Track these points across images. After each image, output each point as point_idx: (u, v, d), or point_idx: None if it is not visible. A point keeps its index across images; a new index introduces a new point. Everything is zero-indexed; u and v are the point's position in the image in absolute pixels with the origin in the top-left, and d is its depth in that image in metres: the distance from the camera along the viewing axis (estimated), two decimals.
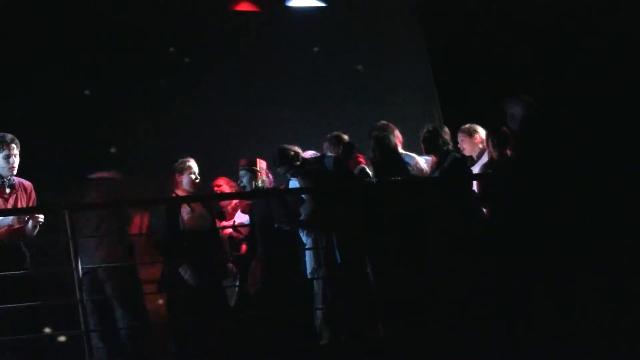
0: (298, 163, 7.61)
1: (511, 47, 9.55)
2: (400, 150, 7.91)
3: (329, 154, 7.88)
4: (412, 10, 10.36)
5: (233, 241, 8.13)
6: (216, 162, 8.70)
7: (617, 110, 8.92)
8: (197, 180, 7.71)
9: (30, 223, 6.98)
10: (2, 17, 8.81)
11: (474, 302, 6.97)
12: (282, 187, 7.97)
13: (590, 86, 9.15)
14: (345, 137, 8.17)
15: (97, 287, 7.35)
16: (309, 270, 7.38)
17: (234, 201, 8.40)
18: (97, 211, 7.35)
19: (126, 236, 7.43)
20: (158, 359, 7.44)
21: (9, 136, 7.12)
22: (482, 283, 7.05)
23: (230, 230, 8.13)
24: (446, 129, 7.91)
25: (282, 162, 7.64)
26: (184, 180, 7.69)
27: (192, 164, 7.73)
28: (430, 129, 7.79)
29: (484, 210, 7.62)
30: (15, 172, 7.11)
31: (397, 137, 7.93)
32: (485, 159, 7.88)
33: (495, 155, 7.58)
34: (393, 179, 7.42)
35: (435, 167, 7.77)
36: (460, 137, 8.21)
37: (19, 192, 7.16)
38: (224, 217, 8.40)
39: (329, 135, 8.20)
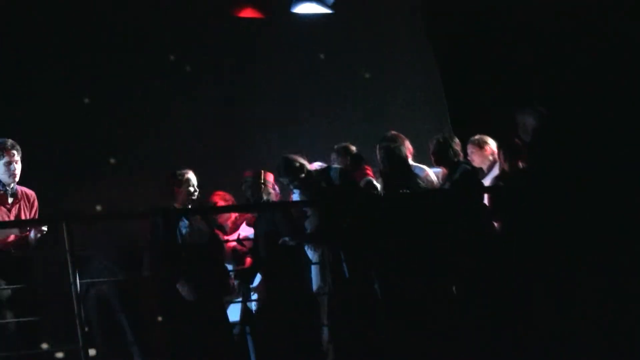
0: (303, 175, 7.46)
1: (524, 55, 9.52)
2: (411, 161, 7.81)
3: (335, 165, 7.79)
4: (420, 17, 10.33)
5: (237, 255, 8.03)
6: (217, 172, 8.66)
7: (633, 119, 8.86)
8: (196, 193, 7.56)
9: (32, 232, 6.84)
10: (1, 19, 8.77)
11: (485, 317, 6.94)
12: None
13: (605, 93, 9.12)
14: (353, 148, 8.10)
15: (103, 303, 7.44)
16: (315, 286, 7.28)
17: (233, 216, 8.31)
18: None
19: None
20: None
21: (10, 142, 6.96)
22: (494, 297, 7.00)
23: (234, 243, 8.03)
24: (456, 140, 7.78)
25: (286, 173, 7.50)
26: (182, 193, 7.52)
27: (191, 176, 7.56)
28: (440, 140, 7.68)
29: (495, 224, 7.51)
30: (17, 180, 6.98)
31: (408, 149, 7.82)
32: (496, 171, 7.78)
33: (506, 167, 7.47)
34: (402, 191, 7.34)
35: (445, 179, 7.69)
36: (470, 148, 8.13)
37: (22, 202, 7.01)
38: (224, 232, 8.29)
39: (336, 146, 8.14)
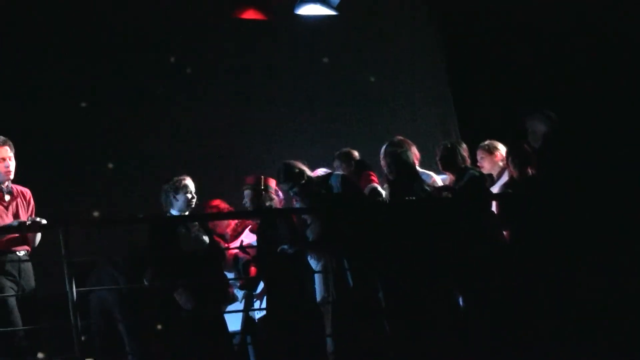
0: (303, 181, 7.36)
1: (535, 60, 9.55)
2: (417, 168, 7.72)
3: (337, 172, 7.69)
4: (428, 19, 10.33)
5: (238, 262, 7.91)
6: (218, 177, 8.69)
7: None
8: (194, 200, 7.46)
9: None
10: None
11: (494, 327, 6.88)
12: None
13: (618, 97, 9.19)
14: (356, 153, 8.03)
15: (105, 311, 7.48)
16: (318, 296, 7.18)
17: (232, 224, 8.23)
18: None
19: None
20: None
21: (1, 138, 6.87)
22: (503, 306, 6.92)
23: (235, 251, 7.92)
24: (464, 145, 7.72)
25: (286, 179, 7.40)
26: (180, 200, 7.41)
27: (189, 182, 7.45)
28: (448, 145, 7.64)
29: (504, 233, 7.40)
30: (12, 177, 6.88)
31: (414, 154, 7.74)
32: (505, 177, 7.69)
33: (515, 174, 7.37)
34: (408, 198, 7.24)
35: (452, 185, 7.57)
36: (480, 154, 8.06)
37: (19, 199, 6.92)
38: (225, 241, 8.20)
39: (338, 152, 8.07)
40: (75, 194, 8.57)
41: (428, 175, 7.81)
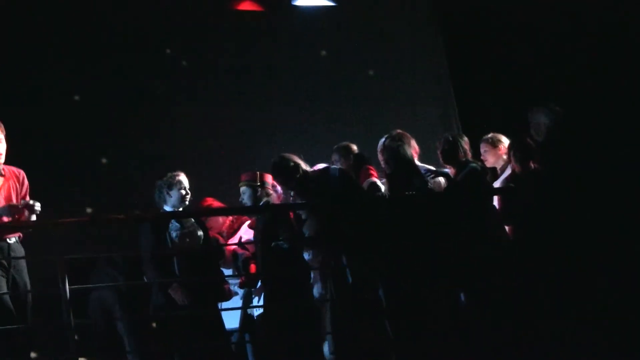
0: (298, 176, 7.30)
1: (538, 52, 9.56)
2: (417, 162, 7.67)
3: (334, 166, 7.66)
4: (428, 10, 10.31)
5: (238, 259, 7.85)
6: (214, 174, 8.70)
7: None
8: (188, 196, 7.45)
9: (26, 214, 6.60)
10: None
11: (495, 324, 6.81)
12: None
13: (621, 92, 9.17)
14: (355, 147, 7.98)
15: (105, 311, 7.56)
16: (315, 293, 7.19)
17: (228, 222, 8.22)
18: None
19: None
20: None
21: None
22: (504, 303, 6.86)
23: (234, 247, 7.89)
24: (465, 139, 7.68)
25: (280, 173, 7.35)
26: (174, 196, 7.41)
27: (182, 178, 7.46)
28: (449, 138, 7.58)
29: (507, 228, 7.37)
30: (2, 159, 6.73)
31: (414, 148, 7.70)
32: (509, 171, 7.64)
33: (517, 168, 7.33)
34: (407, 193, 7.19)
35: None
36: (484, 147, 8.01)
37: (11, 181, 6.74)
38: (223, 237, 8.23)
39: (336, 146, 8.01)
40: (72, 192, 8.54)
41: (428, 169, 7.72)
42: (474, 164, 7.42)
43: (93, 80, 8.94)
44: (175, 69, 9.38)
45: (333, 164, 7.76)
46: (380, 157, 7.54)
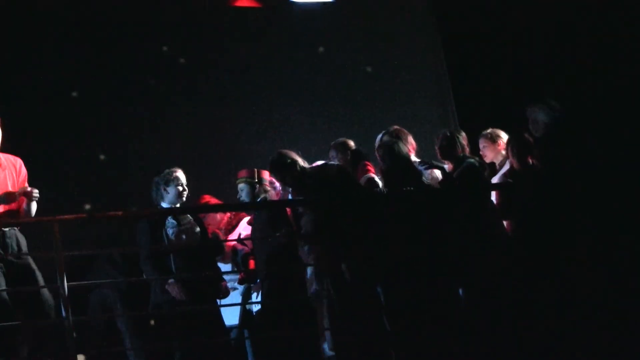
0: (295, 172, 7.27)
1: (534, 48, 9.55)
2: (414, 158, 7.64)
3: (331, 162, 7.63)
4: (427, 7, 10.27)
5: (237, 255, 7.88)
6: (212, 171, 8.70)
7: None
8: (185, 192, 7.41)
9: (25, 202, 6.59)
10: None
11: (494, 321, 6.82)
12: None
13: (620, 89, 9.16)
14: (352, 143, 7.92)
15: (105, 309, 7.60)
16: (311, 289, 7.15)
17: (225, 218, 8.18)
18: None
19: None
20: None
21: None
22: (503, 299, 6.88)
23: (234, 243, 7.90)
24: (463, 134, 7.66)
25: (277, 169, 7.31)
26: (171, 192, 7.37)
27: (180, 174, 7.42)
28: (447, 133, 7.57)
29: (505, 224, 7.32)
30: None
31: (411, 144, 7.68)
32: (507, 167, 7.60)
33: (515, 164, 7.27)
34: (405, 189, 7.16)
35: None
36: (482, 143, 7.98)
37: (8, 169, 6.69)
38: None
39: (334, 142, 7.96)
40: (70, 189, 8.56)
41: (422, 161, 7.69)
42: (471, 160, 7.40)
43: (91, 77, 8.92)
44: (172, 67, 9.34)
45: (330, 160, 7.73)
46: (377, 153, 7.49)
